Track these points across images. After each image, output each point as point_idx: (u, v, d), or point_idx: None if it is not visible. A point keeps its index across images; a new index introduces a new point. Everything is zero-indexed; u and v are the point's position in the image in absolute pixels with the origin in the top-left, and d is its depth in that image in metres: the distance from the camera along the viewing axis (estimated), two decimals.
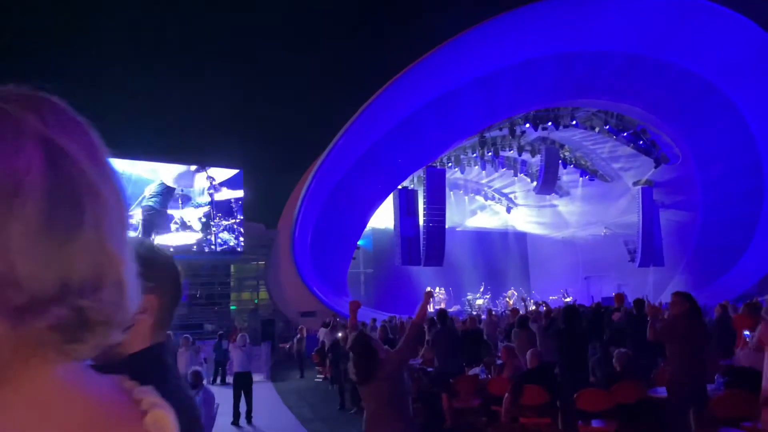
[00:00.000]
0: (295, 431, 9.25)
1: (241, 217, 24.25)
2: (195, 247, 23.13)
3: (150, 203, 22.14)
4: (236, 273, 27.27)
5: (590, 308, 11.26)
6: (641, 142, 24.12)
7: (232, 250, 24.02)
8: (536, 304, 15.56)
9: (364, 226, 23.48)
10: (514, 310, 12.13)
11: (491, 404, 6.79)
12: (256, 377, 15.29)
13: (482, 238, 31.80)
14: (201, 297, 25.64)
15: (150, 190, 22.30)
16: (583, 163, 27.95)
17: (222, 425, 9.63)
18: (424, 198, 25.09)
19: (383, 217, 27.40)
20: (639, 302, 8.50)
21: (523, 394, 6.02)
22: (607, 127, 23.88)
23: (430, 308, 25.08)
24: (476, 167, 27.64)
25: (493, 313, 16.33)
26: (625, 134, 24.05)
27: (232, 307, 26.30)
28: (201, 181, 23.82)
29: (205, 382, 7.79)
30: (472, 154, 25.75)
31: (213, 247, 23.64)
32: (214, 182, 23.99)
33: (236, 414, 9.81)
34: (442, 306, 24.69)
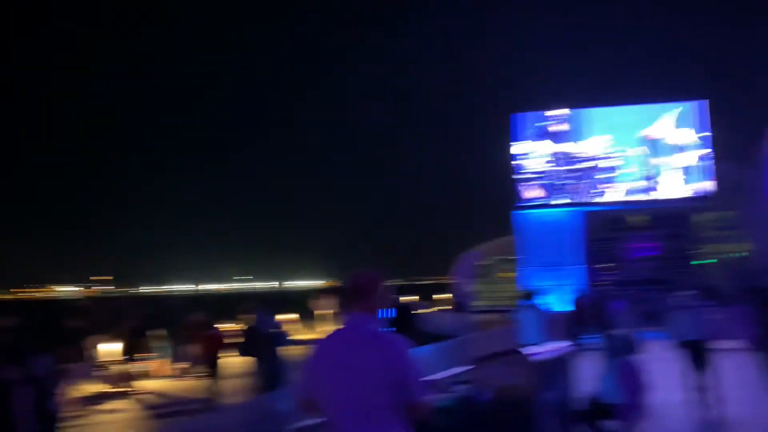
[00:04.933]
0: None
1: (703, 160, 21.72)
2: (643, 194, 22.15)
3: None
4: (701, 221, 24.33)
5: None
6: None
7: (695, 197, 21.87)
8: None
9: None
10: None
11: None
12: (734, 344, 12.70)
13: None
14: (666, 250, 23.82)
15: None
16: None
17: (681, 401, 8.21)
18: None
19: None
20: None
21: None
22: None
23: None
24: None
25: None
26: None
27: (708, 261, 23.26)
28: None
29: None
30: None
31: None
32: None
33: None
34: None
